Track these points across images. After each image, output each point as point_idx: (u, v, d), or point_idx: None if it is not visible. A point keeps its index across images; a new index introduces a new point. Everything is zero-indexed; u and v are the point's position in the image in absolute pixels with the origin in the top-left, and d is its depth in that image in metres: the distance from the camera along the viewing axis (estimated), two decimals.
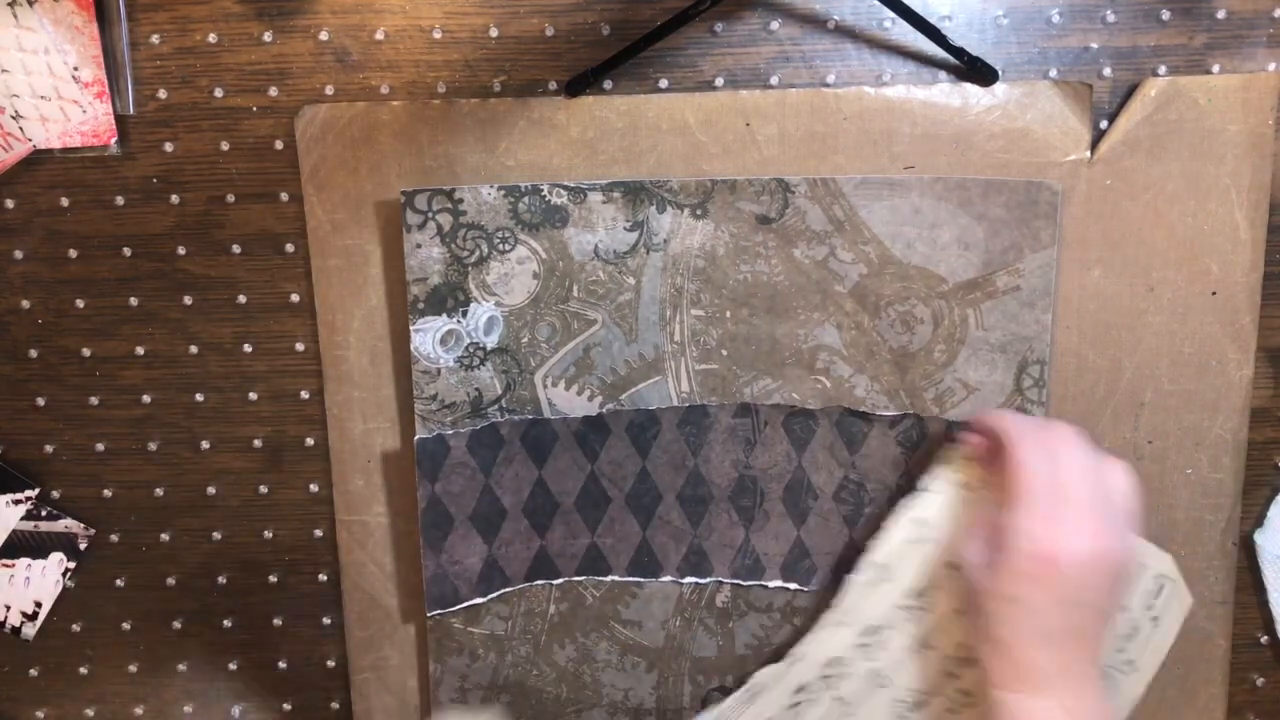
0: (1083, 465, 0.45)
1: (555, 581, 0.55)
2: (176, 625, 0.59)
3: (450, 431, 0.52)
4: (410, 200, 0.51)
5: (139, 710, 0.60)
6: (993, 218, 0.51)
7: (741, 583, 0.54)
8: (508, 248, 0.51)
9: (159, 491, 0.58)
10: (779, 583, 0.54)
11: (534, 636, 0.55)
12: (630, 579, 0.55)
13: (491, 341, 0.52)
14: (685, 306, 0.52)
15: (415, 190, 0.51)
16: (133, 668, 0.60)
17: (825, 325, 0.52)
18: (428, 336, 0.52)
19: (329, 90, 0.53)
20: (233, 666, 0.59)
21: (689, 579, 0.55)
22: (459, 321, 0.52)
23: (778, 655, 0.55)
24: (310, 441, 0.57)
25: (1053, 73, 0.52)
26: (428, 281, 0.51)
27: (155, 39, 0.53)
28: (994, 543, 0.45)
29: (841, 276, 0.52)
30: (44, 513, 0.58)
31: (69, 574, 0.58)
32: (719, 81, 0.53)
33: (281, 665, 0.59)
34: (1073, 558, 0.43)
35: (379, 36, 0.53)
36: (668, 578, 0.55)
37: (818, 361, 0.52)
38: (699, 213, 0.51)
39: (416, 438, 0.51)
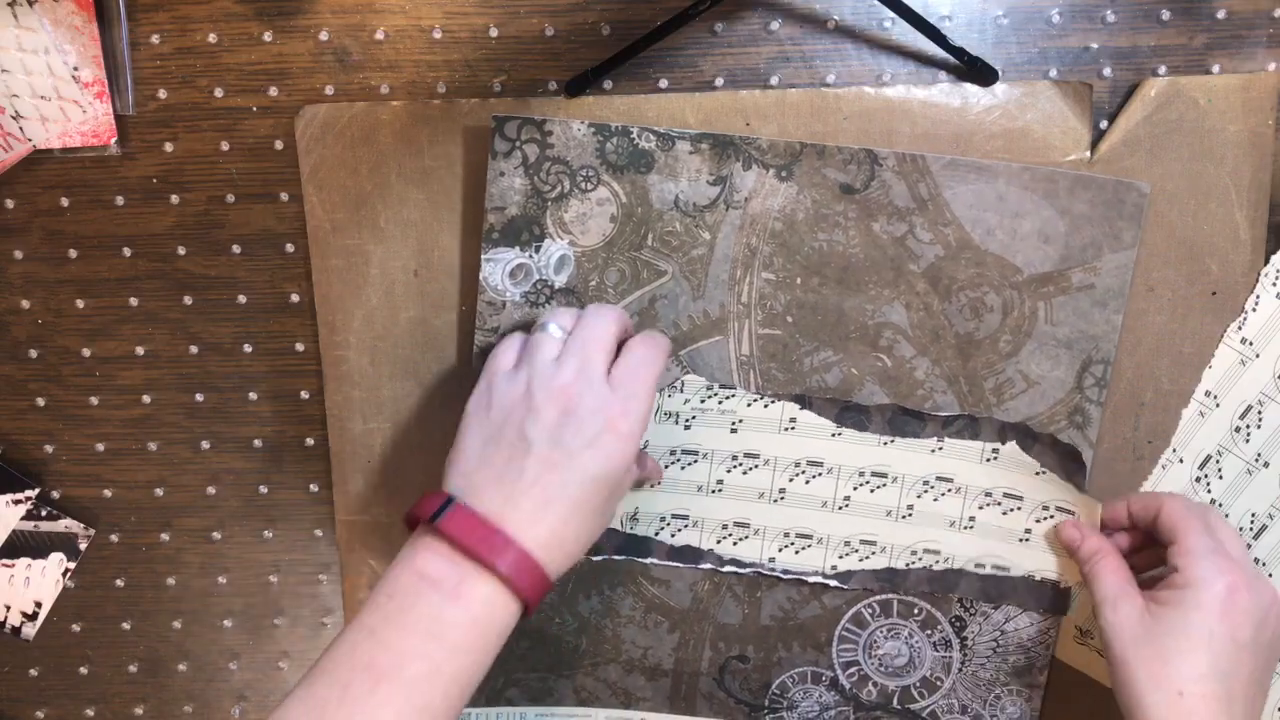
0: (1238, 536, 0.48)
1: (595, 558, 0.54)
2: (176, 625, 0.59)
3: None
4: (500, 127, 0.50)
5: (139, 710, 0.60)
6: (1076, 213, 0.50)
7: (781, 577, 0.54)
8: (590, 187, 0.51)
9: (159, 491, 0.58)
10: (820, 578, 0.54)
11: (560, 584, 0.54)
12: (670, 563, 0.54)
13: (560, 280, 0.52)
14: (757, 268, 0.51)
15: (506, 117, 0.50)
16: (133, 668, 0.60)
17: (894, 303, 0.52)
18: (498, 268, 0.52)
19: (329, 90, 0.53)
20: (233, 666, 0.59)
21: (730, 562, 0.54)
22: (531, 257, 0.52)
23: (801, 628, 0.54)
24: (310, 441, 0.57)
25: (1053, 73, 0.52)
26: (506, 211, 0.51)
27: (155, 39, 0.53)
28: (1161, 584, 0.47)
29: (917, 256, 0.51)
30: (44, 513, 0.58)
31: (69, 574, 0.58)
32: (719, 81, 0.53)
33: (281, 665, 0.59)
34: (1257, 598, 0.45)
35: (379, 36, 0.53)
36: (707, 565, 0.54)
37: (881, 339, 0.52)
38: (784, 175, 0.51)
39: (475, 347, 0.51)
